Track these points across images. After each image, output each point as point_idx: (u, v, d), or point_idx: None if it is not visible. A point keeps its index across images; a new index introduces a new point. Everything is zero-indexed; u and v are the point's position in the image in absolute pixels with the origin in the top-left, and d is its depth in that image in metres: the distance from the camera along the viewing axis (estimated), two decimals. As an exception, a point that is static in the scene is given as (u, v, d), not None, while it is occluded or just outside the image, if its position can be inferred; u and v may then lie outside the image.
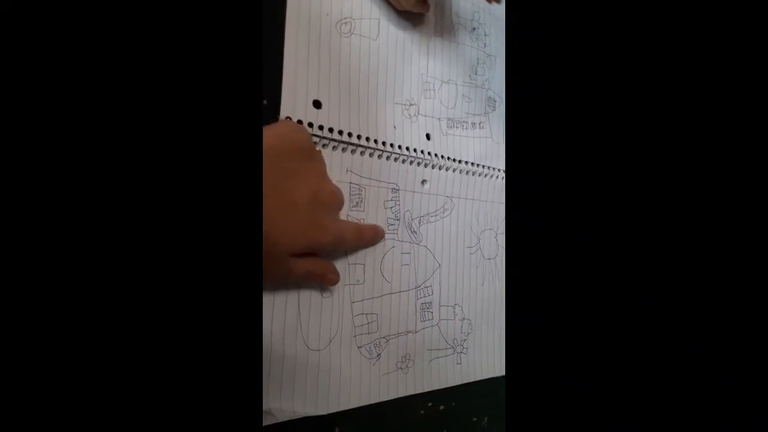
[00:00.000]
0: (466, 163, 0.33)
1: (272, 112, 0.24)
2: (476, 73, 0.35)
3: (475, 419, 0.32)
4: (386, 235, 0.29)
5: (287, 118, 0.24)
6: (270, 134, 0.21)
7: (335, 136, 0.26)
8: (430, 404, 0.30)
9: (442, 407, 0.31)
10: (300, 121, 0.25)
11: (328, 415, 0.25)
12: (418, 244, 0.31)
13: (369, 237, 0.27)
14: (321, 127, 0.26)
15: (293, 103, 0.25)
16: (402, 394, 0.29)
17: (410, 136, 0.30)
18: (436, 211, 0.32)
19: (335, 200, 0.24)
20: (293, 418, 0.24)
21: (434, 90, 0.32)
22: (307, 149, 0.23)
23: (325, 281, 0.25)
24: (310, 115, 0.25)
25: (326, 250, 0.24)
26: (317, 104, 0.26)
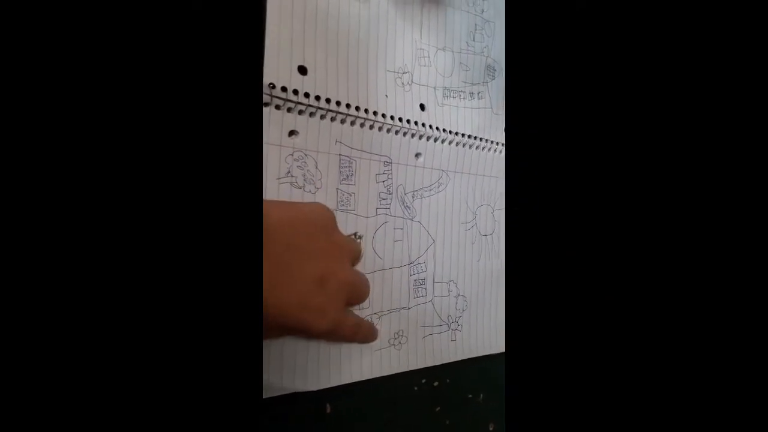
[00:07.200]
0: (463, 135, 0.32)
1: (255, 79, 0.23)
2: (474, 40, 0.33)
3: (470, 396, 0.32)
4: (378, 210, 0.28)
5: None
6: (299, 213, 0.22)
7: (322, 104, 0.25)
8: (423, 381, 0.30)
9: (436, 384, 0.30)
10: (284, 88, 0.23)
11: (319, 391, 0.25)
12: (412, 219, 0.30)
13: (362, 336, 0.26)
14: (307, 95, 0.24)
15: (277, 68, 0.23)
16: (395, 370, 0.28)
17: (403, 106, 0.29)
18: (430, 186, 0.31)
19: (348, 290, 0.24)
20: (283, 393, 0.24)
21: (429, 57, 0.30)
22: (329, 228, 0.23)
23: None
24: (295, 81, 0.24)
25: (316, 335, 0.23)
26: (303, 70, 0.24)
